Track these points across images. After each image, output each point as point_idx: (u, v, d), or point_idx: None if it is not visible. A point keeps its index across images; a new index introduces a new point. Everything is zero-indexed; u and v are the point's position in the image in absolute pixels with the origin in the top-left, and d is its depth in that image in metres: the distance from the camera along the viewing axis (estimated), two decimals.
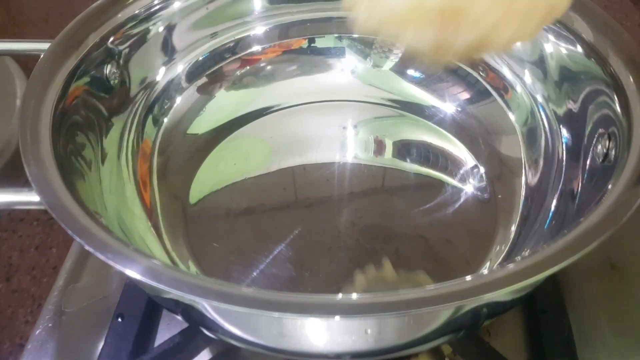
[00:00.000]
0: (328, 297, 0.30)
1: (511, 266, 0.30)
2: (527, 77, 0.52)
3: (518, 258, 0.31)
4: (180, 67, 0.55)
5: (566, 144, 0.47)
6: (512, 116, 0.53)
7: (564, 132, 0.47)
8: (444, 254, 0.47)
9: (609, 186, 0.35)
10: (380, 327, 0.34)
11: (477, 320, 0.37)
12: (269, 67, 0.60)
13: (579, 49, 0.46)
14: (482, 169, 0.53)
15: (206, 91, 0.58)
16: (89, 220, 0.33)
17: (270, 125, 0.58)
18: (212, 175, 0.54)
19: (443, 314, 0.33)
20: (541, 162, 0.49)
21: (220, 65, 0.58)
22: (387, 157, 0.55)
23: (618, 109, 0.41)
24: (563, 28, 0.47)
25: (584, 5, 0.46)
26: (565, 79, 0.48)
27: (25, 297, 0.57)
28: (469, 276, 0.30)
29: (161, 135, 0.54)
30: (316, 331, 0.35)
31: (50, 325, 0.48)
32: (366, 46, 0.60)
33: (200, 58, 0.57)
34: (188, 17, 0.54)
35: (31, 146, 0.37)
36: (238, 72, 0.59)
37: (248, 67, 0.60)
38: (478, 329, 0.44)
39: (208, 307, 0.33)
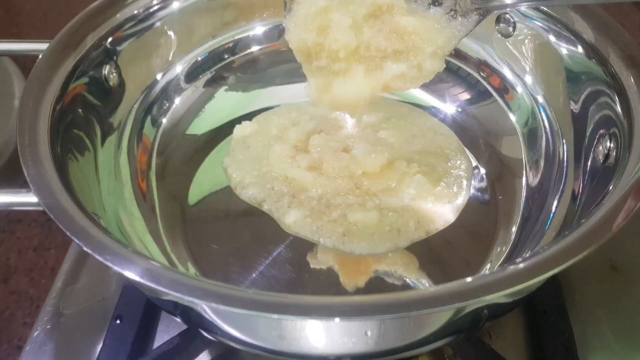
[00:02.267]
0: (328, 299, 0.30)
1: (512, 268, 0.30)
2: (528, 78, 0.52)
3: (519, 260, 0.31)
4: (179, 68, 0.55)
5: (567, 144, 0.47)
6: (512, 117, 0.53)
7: (565, 133, 0.47)
8: (444, 255, 0.47)
9: (610, 187, 0.35)
10: (380, 329, 0.34)
11: (477, 322, 0.37)
12: (268, 68, 0.60)
13: (580, 49, 0.45)
14: (482, 170, 0.52)
15: (205, 92, 0.57)
16: (88, 221, 0.33)
17: None
18: (211, 176, 0.53)
19: (443, 316, 0.33)
20: (542, 163, 0.49)
21: (219, 65, 0.58)
22: None
23: (619, 109, 0.40)
24: (564, 28, 0.47)
25: (584, 6, 0.46)
26: (566, 80, 0.48)
27: (23, 299, 0.57)
28: (470, 278, 0.30)
29: (160, 135, 0.53)
30: (316, 333, 0.34)
31: (48, 327, 0.47)
32: None
33: (200, 58, 0.57)
34: (187, 17, 0.54)
35: (29, 147, 0.37)
36: (237, 73, 0.59)
37: (247, 68, 0.59)
38: (479, 331, 0.44)
39: (207, 309, 0.33)
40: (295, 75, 0.60)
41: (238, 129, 0.55)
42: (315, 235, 0.47)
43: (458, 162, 0.53)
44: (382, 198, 0.49)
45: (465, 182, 0.52)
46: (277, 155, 0.53)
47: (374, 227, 0.47)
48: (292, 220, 0.48)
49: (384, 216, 0.48)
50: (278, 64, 0.60)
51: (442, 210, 0.49)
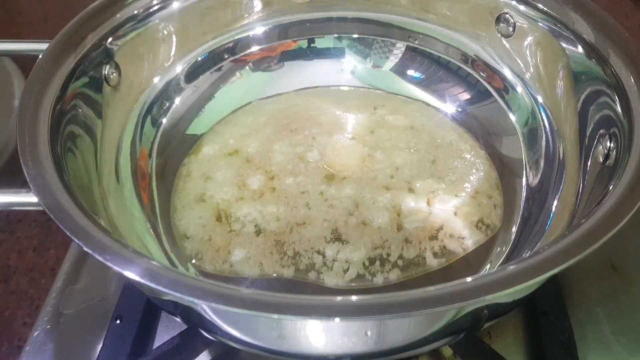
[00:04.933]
0: (328, 298, 0.30)
1: (512, 267, 0.30)
2: (528, 78, 0.52)
3: (519, 260, 0.31)
4: (179, 68, 0.55)
5: (567, 144, 0.47)
6: (512, 117, 0.53)
7: (565, 133, 0.47)
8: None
9: (610, 187, 0.35)
10: (380, 329, 0.34)
11: (477, 322, 0.37)
12: (268, 68, 0.60)
13: (580, 49, 0.45)
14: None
15: (205, 92, 0.57)
16: (88, 221, 0.33)
17: None
18: None
19: (443, 316, 0.33)
20: (542, 163, 0.49)
21: (219, 65, 0.58)
22: None
23: (619, 109, 0.40)
24: (564, 28, 0.47)
25: (584, 6, 0.46)
26: (566, 80, 0.48)
27: (23, 299, 0.57)
28: (470, 277, 0.30)
29: (160, 135, 0.53)
30: (316, 333, 0.34)
31: (48, 327, 0.47)
32: (366, 46, 0.60)
33: (200, 58, 0.57)
34: (187, 17, 0.54)
35: (29, 147, 0.37)
36: (237, 73, 0.59)
37: (247, 68, 0.59)
38: (478, 331, 0.44)
39: (207, 309, 0.33)
40: (296, 75, 0.60)
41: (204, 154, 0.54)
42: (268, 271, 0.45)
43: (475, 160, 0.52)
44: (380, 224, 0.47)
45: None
46: (219, 184, 0.51)
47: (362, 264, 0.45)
48: (236, 260, 0.45)
49: (384, 249, 0.46)
50: (278, 64, 0.60)
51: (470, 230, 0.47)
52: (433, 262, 0.46)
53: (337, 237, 0.47)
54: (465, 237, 0.47)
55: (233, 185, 0.51)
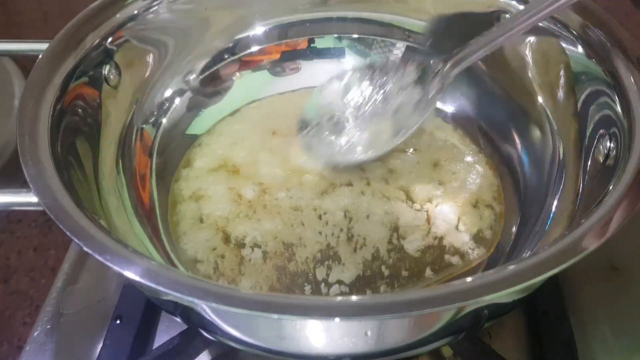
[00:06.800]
0: (328, 299, 0.30)
1: (512, 268, 0.30)
2: (528, 78, 0.52)
3: (519, 259, 0.31)
4: (179, 68, 0.55)
5: (567, 144, 0.47)
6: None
7: (565, 133, 0.47)
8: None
9: (610, 187, 0.35)
10: (380, 329, 0.34)
11: (477, 321, 0.37)
12: (268, 68, 0.60)
13: (580, 49, 0.45)
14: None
15: (205, 92, 0.57)
16: (88, 221, 0.33)
17: None
18: None
19: (443, 316, 0.33)
20: (542, 163, 0.49)
21: (219, 65, 0.58)
22: None
23: (619, 109, 0.40)
24: (564, 28, 0.47)
25: (584, 6, 0.46)
26: (566, 80, 0.48)
27: (23, 299, 0.57)
28: (470, 277, 0.30)
29: (160, 135, 0.53)
30: (316, 333, 0.34)
31: (48, 327, 0.47)
32: (366, 46, 0.60)
33: (200, 59, 0.56)
34: (187, 17, 0.54)
35: (29, 147, 0.37)
36: (237, 73, 0.59)
37: (247, 68, 0.59)
38: (478, 331, 0.44)
39: (207, 309, 0.33)
40: (296, 75, 0.60)
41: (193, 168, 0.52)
42: None
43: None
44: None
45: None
46: (213, 201, 0.49)
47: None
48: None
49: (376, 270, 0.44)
50: (278, 64, 0.60)
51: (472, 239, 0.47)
52: (432, 277, 0.45)
53: (328, 257, 0.45)
54: (466, 253, 0.46)
55: (228, 201, 0.49)
